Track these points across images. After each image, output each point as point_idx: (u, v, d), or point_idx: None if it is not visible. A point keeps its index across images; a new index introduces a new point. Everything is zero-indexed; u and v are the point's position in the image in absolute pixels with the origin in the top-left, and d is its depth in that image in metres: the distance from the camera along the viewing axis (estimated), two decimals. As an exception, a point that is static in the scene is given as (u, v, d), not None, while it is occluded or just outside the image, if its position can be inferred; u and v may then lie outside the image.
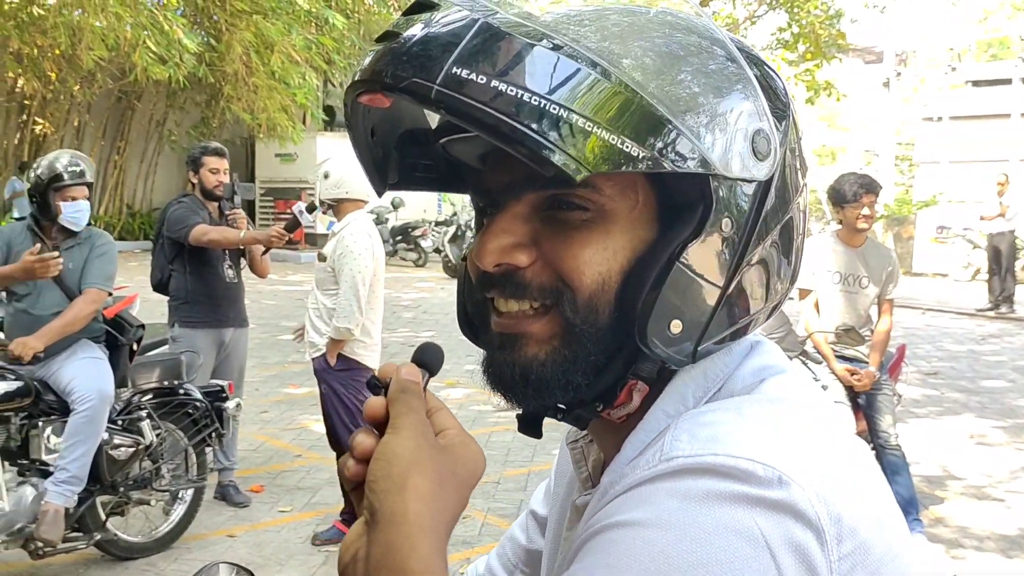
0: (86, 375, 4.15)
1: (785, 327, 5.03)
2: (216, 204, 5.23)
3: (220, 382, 4.93)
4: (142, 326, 4.60)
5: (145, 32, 13.43)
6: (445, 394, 7.54)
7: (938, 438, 7.13)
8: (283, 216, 19.00)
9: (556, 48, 0.66)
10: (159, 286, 5.25)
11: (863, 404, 4.95)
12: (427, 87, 0.65)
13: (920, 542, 4.76)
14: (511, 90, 0.64)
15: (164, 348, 5.18)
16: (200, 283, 5.12)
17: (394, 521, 0.62)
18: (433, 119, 0.84)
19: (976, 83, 31.82)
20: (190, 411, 4.65)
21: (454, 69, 0.64)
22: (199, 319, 5.10)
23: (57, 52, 15.50)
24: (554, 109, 0.64)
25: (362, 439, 0.68)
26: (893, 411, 4.95)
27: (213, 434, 4.71)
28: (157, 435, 4.50)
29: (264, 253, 5.33)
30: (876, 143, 28.58)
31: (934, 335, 12.50)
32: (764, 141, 0.74)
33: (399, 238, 18.83)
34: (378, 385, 0.71)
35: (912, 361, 9.25)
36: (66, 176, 4.20)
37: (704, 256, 0.72)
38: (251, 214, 19.60)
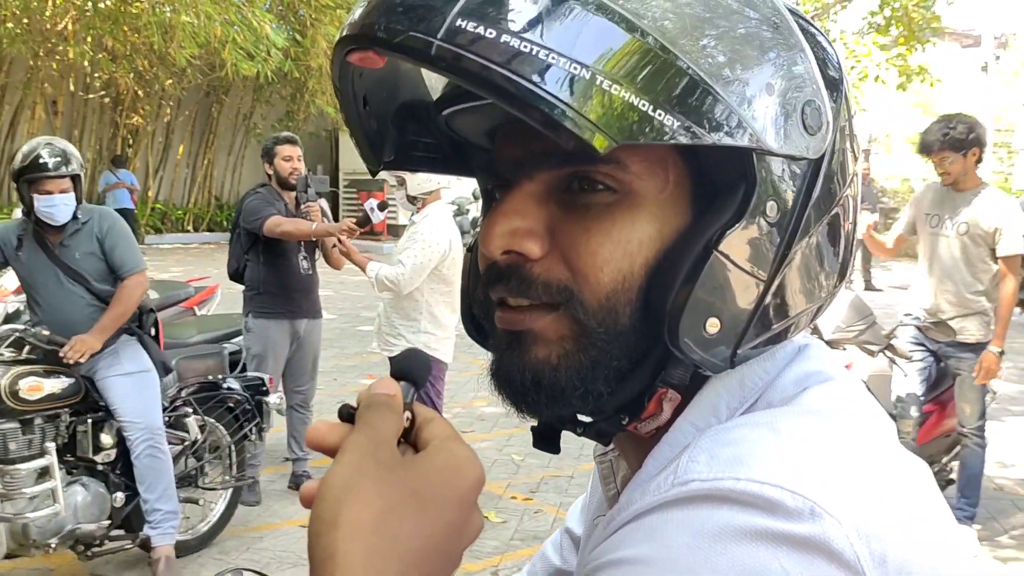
0: (133, 402, 4.00)
1: (867, 319, 4.75)
2: (293, 194, 5.27)
3: (261, 375, 4.87)
4: (152, 311, 4.33)
5: (234, 28, 13.70)
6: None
7: (1036, 438, 6.80)
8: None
9: (579, 1, 0.56)
10: (235, 275, 5.32)
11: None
12: (427, 42, 0.55)
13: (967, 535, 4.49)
14: (525, 46, 0.54)
15: (240, 339, 5.24)
16: (274, 274, 5.16)
17: (323, 569, 0.51)
18: (434, 91, 0.75)
19: (1081, 66, 30.37)
20: (231, 406, 4.61)
21: (459, 22, 0.54)
22: (273, 310, 5.14)
23: (149, 49, 15.92)
24: (576, 69, 0.54)
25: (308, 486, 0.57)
26: (978, 400, 4.67)
27: (254, 428, 4.67)
28: (202, 430, 4.45)
29: (335, 246, 5.35)
30: (974, 130, 27.53)
31: (1034, 329, 11.95)
32: (816, 113, 0.64)
33: (479, 228, 18.88)
34: (352, 413, 0.60)
35: (1009, 356, 8.83)
36: (39, 168, 3.82)
37: (744, 245, 0.63)
38: (334, 206, 19.90)
